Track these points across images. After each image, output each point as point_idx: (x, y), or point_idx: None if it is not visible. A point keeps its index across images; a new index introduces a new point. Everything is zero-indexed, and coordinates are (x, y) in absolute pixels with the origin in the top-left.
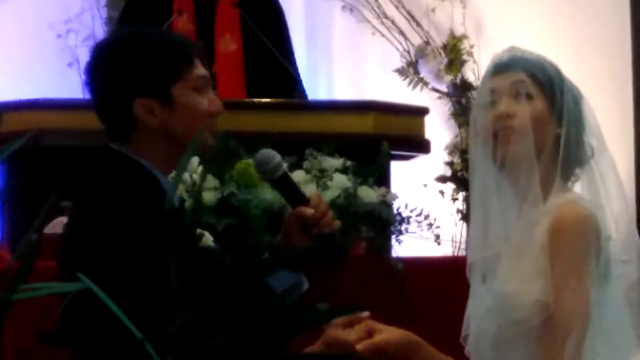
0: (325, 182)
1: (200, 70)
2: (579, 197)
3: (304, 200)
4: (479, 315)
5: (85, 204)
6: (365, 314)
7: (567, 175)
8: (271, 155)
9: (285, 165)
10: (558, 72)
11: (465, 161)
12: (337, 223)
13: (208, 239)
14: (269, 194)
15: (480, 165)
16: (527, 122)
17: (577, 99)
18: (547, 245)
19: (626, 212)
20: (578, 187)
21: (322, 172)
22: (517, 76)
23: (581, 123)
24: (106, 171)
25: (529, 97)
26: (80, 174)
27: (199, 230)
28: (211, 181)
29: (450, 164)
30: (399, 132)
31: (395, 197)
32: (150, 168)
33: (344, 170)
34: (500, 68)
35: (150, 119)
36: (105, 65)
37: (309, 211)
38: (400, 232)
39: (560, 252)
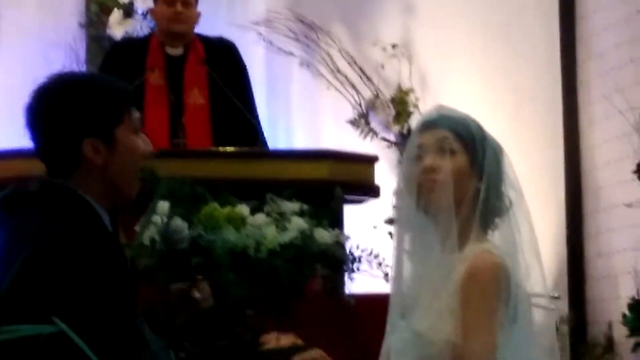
0: (284, 225)
1: (136, 113)
2: (494, 247)
3: (193, 279)
4: (398, 349)
5: (36, 239)
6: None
7: (487, 224)
8: (183, 228)
9: (187, 244)
10: (480, 130)
11: None
12: (210, 302)
13: None
14: (232, 236)
15: (405, 211)
16: (449, 176)
17: (497, 154)
18: (460, 290)
19: (536, 260)
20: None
21: (281, 215)
22: (442, 133)
23: (500, 176)
24: (53, 206)
25: (452, 152)
26: (24, 208)
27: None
28: (180, 224)
29: (400, 207)
30: (352, 179)
31: (348, 238)
32: (92, 202)
33: (301, 214)
34: (427, 125)
35: (96, 158)
36: (53, 107)
37: (196, 293)
38: (353, 271)
39: (472, 297)
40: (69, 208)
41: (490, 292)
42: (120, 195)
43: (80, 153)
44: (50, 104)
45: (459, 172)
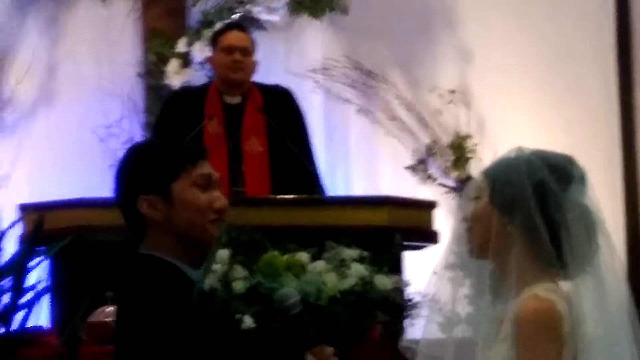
0: (344, 271)
1: (203, 169)
2: (547, 289)
3: (311, 343)
4: None
5: (129, 307)
6: None
7: (550, 262)
8: (290, 294)
9: (300, 307)
10: (511, 167)
11: None
12: None
13: (247, 321)
14: (292, 283)
15: (464, 257)
16: (469, 223)
17: (537, 190)
18: (510, 338)
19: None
20: None
21: (341, 262)
22: (477, 181)
23: (553, 211)
24: (144, 278)
25: (476, 198)
26: (119, 277)
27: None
28: (240, 271)
29: (457, 252)
30: (411, 225)
31: (407, 284)
32: (178, 263)
33: (361, 260)
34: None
35: (155, 214)
36: (118, 171)
37: (310, 357)
38: (413, 316)
39: (520, 347)
40: (154, 281)
41: (537, 340)
42: (197, 246)
43: (138, 211)
44: (117, 169)
45: (475, 215)
